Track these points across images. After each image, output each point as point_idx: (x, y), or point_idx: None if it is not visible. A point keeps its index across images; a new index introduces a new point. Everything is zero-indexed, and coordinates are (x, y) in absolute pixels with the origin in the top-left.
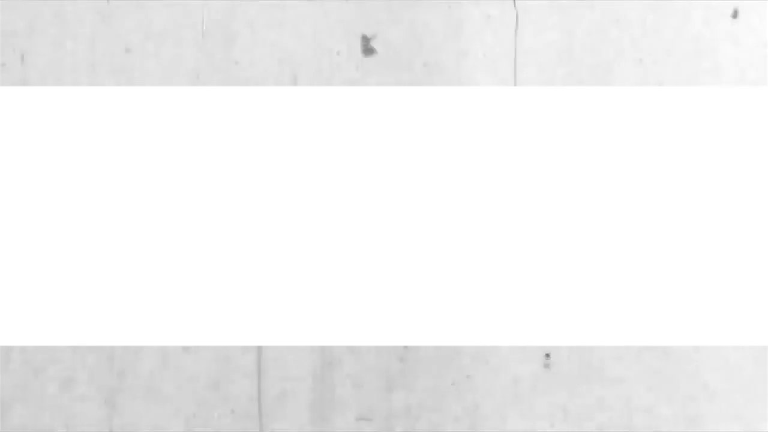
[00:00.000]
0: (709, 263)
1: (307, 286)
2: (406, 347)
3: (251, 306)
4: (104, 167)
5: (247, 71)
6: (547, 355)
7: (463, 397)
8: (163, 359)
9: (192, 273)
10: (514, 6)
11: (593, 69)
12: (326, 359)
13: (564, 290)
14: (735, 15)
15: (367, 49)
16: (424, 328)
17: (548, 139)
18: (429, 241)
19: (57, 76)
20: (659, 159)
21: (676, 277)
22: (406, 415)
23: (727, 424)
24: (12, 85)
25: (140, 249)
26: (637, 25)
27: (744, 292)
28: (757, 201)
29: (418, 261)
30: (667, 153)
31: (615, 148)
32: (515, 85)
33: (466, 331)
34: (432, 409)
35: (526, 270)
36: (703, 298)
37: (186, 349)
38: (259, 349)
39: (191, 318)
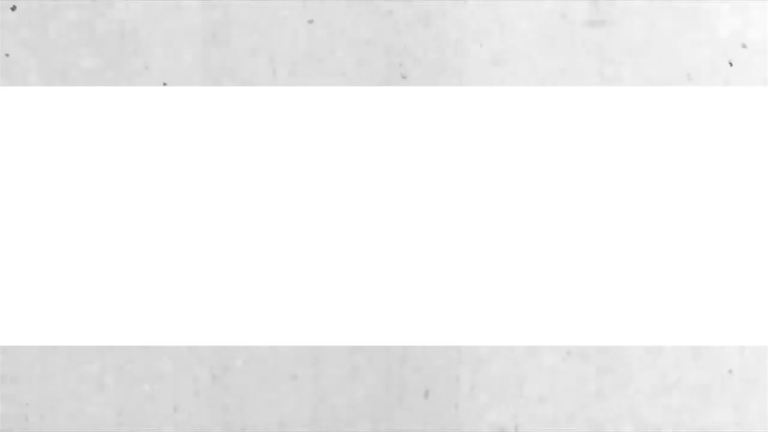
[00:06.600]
0: (709, 263)
1: (306, 286)
2: None
3: (251, 305)
4: (105, 168)
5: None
6: None
7: None
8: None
9: (192, 273)
10: None
11: None
12: None
13: (562, 290)
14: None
15: None
16: (425, 327)
17: (548, 139)
18: (431, 242)
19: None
20: (659, 159)
21: (675, 277)
22: None
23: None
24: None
25: (140, 249)
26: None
27: (744, 292)
28: (758, 201)
29: (420, 261)
30: (666, 153)
31: (615, 148)
32: None
33: (466, 331)
34: None
35: (527, 270)
36: (703, 298)
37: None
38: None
39: (189, 317)
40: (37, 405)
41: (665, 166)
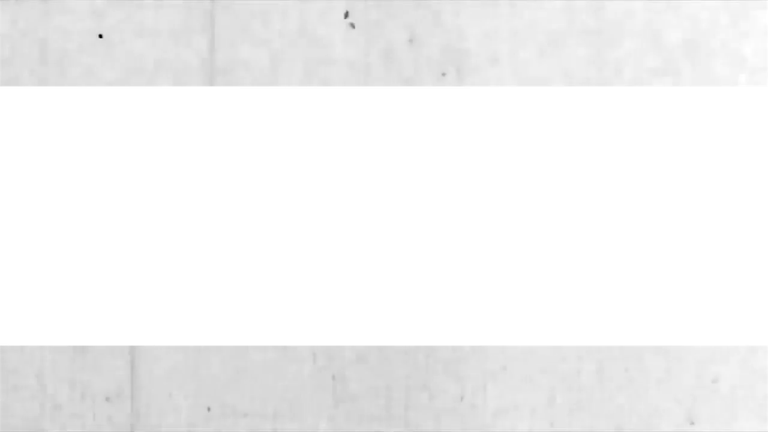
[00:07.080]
0: (709, 263)
1: (306, 287)
2: None
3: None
4: (105, 168)
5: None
6: None
7: None
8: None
9: (192, 274)
10: None
11: None
12: None
13: (564, 291)
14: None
15: None
16: (429, 328)
17: (549, 140)
18: (431, 244)
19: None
20: (659, 159)
21: (676, 277)
22: None
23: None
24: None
25: (139, 250)
26: None
27: (744, 292)
28: (758, 201)
29: (421, 262)
30: (666, 153)
31: (615, 149)
32: None
33: (466, 330)
34: None
35: (528, 271)
36: (703, 298)
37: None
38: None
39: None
40: None
41: (666, 166)
